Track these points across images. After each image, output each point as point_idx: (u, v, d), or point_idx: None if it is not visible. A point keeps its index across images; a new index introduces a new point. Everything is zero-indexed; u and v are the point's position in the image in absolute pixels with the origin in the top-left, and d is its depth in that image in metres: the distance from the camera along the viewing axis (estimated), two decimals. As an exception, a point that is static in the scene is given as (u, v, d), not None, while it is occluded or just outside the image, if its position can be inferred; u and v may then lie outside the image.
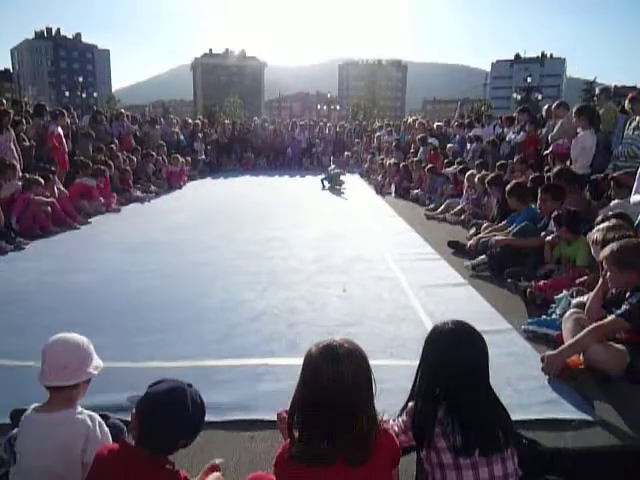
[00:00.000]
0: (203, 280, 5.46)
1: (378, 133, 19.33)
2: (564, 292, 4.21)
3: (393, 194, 12.64)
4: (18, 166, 8.29)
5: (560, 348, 3.33)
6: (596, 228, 4.09)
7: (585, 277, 4.39)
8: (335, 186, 13.57)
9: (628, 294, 3.27)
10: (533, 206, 6.29)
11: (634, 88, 20.92)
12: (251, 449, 2.59)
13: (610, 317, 3.23)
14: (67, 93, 77.26)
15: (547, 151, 7.96)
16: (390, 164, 13.75)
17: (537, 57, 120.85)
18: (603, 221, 4.44)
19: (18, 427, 2.06)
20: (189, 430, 1.79)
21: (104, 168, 10.07)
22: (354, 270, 5.86)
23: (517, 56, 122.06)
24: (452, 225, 8.68)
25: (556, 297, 4.24)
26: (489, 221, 7.38)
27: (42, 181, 7.92)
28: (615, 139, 7.21)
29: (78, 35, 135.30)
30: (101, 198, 9.70)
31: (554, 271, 5.00)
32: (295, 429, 1.72)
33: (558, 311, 4.05)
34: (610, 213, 4.73)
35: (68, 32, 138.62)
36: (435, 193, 10.80)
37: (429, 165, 11.76)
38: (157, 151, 14.10)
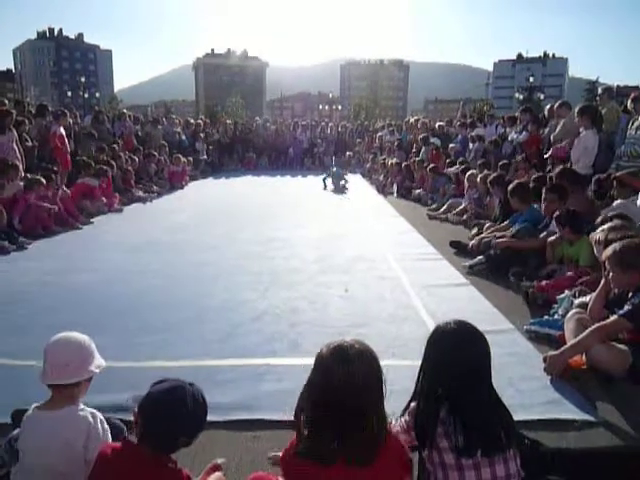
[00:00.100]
0: (205, 280, 5.46)
1: (380, 133, 19.32)
2: (566, 292, 4.20)
3: (395, 194, 12.63)
4: (21, 166, 8.30)
5: (562, 348, 3.32)
6: (600, 228, 4.09)
7: (587, 277, 4.38)
8: (337, 185, 13.53)
9: (630, 294, 3.26)
10: (535, 206, 6.28)
11: (637, 88, 20.88)
12: (253, 449, 2.59)
13: (612, 317, 3.23)
14: (69, 93, 77.47)
15: (547, 155, 7.94)
16: (392, 164, 13.75)
17: (539, 57, 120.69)
18: (604, 222, 4.44)
19: (19, 427, 2.07)
20: (191, 428, 1.79)
21: (106, 168, 10.08)
22: (356, 270, 5.86)
23: (519, 56, 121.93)
24: (454, 225, 8.67)
25: (558, 297, 4.23)
26: (491, 221, 7.37)
27: (44, 181, 7.93)
28: (618, 139, 7.19)
29: (80, 35, 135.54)
30: (103, 198, 9.72)
31: (556, 271, 4.99)
32: (304, 427, 1.72)
33: (560, 311, 4.04)
34: (610, 214, 4.73)
35: (70, 32, 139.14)
36: (437, 193, 10.78)
37: (431, 165, 11.75)
38: (159, 151, 14.10)
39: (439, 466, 1.83)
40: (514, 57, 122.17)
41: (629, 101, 6.95)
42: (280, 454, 2.08)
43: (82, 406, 2.01)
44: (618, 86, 31.18)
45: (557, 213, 5.22)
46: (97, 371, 2.07)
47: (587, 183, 6.64)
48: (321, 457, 1.66)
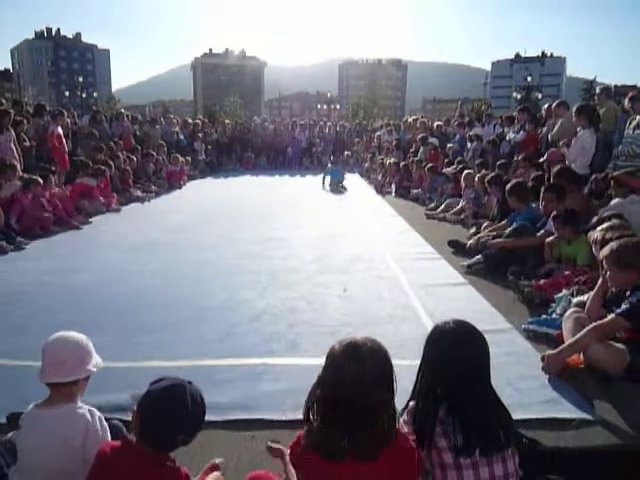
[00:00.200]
0: (203, 280, 5.46)
1: (378, 132, 19.33)
2: (564, 291, 4.21)
3: (393, 194, 12.64)
4: (18, 166, 8.29)
5: (560, 347, 3.33)
6: (598, 228, 4.09)
7: (585, 275, 4.39)
8: (335, 185, 13.49)
9: (628, 293, 3.27)
10: (534, 205, 6.29)
11: (634, 87, 20.90)
12: (251, 449, 2.59)
13: (610, 316, 3.23)
14: (67, 93, 77.28)
15: (542, 158, 7.92)
16: (390, 164, 13.75)
17: (537, 56, 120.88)
18: (599, 222, 4.45)
19: (14, 430, 2.08)
20: (189, 427, 1.80)
21: (104, 168, 10.07)
22: (354, 270, 5.86)
23: (517, 55, 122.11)
24: (452, 224, 8.68)
25: (556, 296, 4.24)
26: (489, 220, 7.38)
27: (41, 181, 7.92)
28: (616, 138, 7.20)
29: (78, 35, 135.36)
30: (101, 198, 9.70)
31: (554, 270, 4.99)
32: (314, 422, 1.74)
33: (558, 310, 4.05)
34: (605, 214, 4.74)
35: (68, 32, 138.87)
36: (435, 193, 10.79)
37: (429, 165, 11.76)
38: (157, 151, 14.10)
39: (437, 465, 1.83)
40: (512, 57, 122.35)
41: (626, 100, 6.95)
42: (277, 446, 2.11)
43: (80, 404, 2.02)
44: (616, 85, 31.22)
45: (555, 213, 5.23)
46: (95, 370, 2.07)
47: (584, 183, 6.65)
48: (331, 453, 1.67)
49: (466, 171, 9.39)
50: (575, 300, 3.93)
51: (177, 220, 9.12)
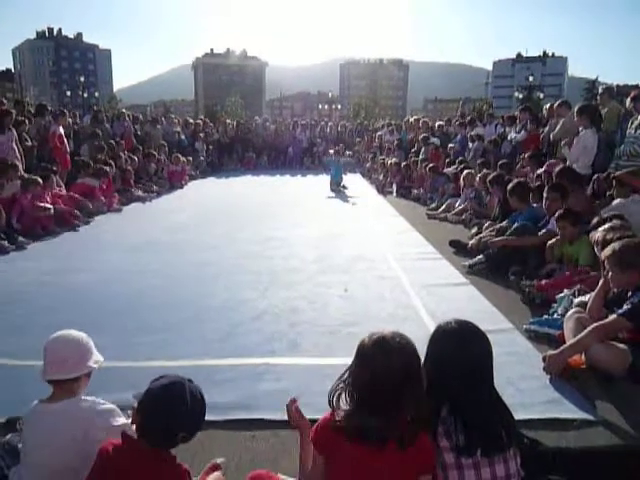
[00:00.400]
0: (204, 280, 5.46)
1: (379, 132, 19.30)
2: (566, 291, 4.20)
3: (394, 194, 12.62)
4: (20, 166, 8.30)
5: (562, 348, 3.32)
6: (601, 228, 4.09)
7: (586, 274, 4.38)
8: (337, 184, 13.41)
9: (630, 293, 3.26)
10: (535, 205, 6.28)
11: (636, 87, 20.88)
12: (252, 448, 2.59)
13: (612, 316, 3.23)
14: (68, 93, 77.46)
15: (541, 169, 7.87)
16: (391, 164, 13.74)
17: (539, 56, 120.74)
18: (599, 222, 4.44)
19: (12, 433, 2.15)
20: (189, 424, 1.81)
21: (106, 169, 10.07)
22: (355, 270, 5.86)
23: (519, 55, 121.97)
24: (453, 224, 8.67)
25: (558, 296, 4.23)
26: (491, 220, 7.37)
27: (40, 181, 7.92)
28: (619, 138, 7.18)
29: (79, 35, 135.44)
30: (102, 198, 9.71)
31: (556, 270, 4.98)
32: (341, 407, 1.80)
33: (560, 310, 4.05)
34: (607, 214, 4.73)
35: (69, 32, 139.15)
36: (436, 193, 10.78)
37: (430, 164, 11.75)
38: (158, 151, 14.10)
39: (439, 465, 1.82)
40: (514, 56, 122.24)
41: (628, 100, 6.94)
42: (293, 403, 2.15)
43: (84, 397, 2.05)
44: (618, 85, 31.21)
45: (558, 213, 5.21)
46: (95, 366, 2.11)
47: (586, 182, 6.64)
48: (358, 435, 1.72)
49: (466, 171, 9.38)
50: (576, 300, 3.93)
51: (178, 220, 9.12)
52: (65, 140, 10.42)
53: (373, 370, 1.71)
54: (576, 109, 7.38)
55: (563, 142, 7.80)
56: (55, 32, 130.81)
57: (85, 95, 57.00)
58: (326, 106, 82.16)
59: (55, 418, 1.98)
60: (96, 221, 8.83)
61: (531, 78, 57.86)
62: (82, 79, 62.54)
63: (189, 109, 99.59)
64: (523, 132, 9.99)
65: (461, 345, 1.88)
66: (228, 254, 6.61)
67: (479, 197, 8.80)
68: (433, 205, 10.15)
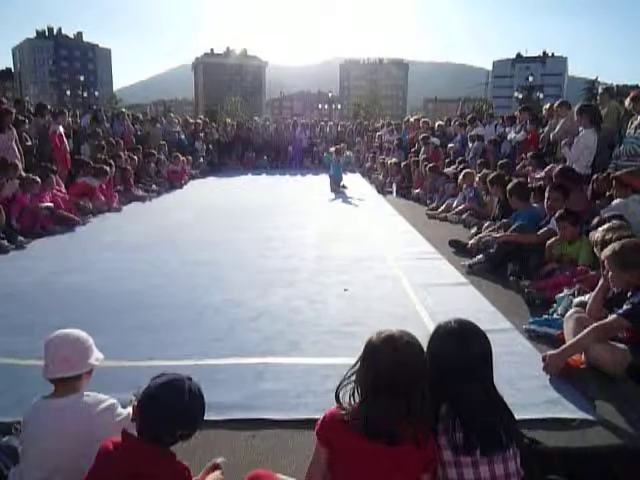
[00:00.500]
0: (204, 279, 5.46)
1: (379, 132, 19.29)
2: (565, 291, 4.21)
3: (394, 193, 12.62)
4: (20, 165, 8.30)
5: (561, 347, 3.33)
6: (600, 228, 4.09)
7: (586, 274, 4.39)
8: (337, 184, 13.38)
9: (630, 293, 3.26)
10: (535, 205, 6.28)
11: (636, 87, 20.89)
12: (252, 448, 2.59)
13: (611, 316, 3.23)
14: (68, 92, 77.33)
15: (541, 174, 7.88)
16: (391, 163, 13.74)
17: (539, 56, 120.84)
18: (599, 223, 4.44)
19: (9, 435, 2.20)
20: (188, 421, 1.82)
21: (107, 169, 10.06)
22: (355, 269, 5.86)
23: (518, 55, 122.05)
24: (453, 224, 8.67)
25: (557, 296, 4.24)
26: (491, 220, 7.38)
27: (39, 180, 7.91)
28: (619, 138, 7.18)
29: (79, 34, 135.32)
30: (102, 197, 9.70)
31: (556, 270, 4.99)
32: (346, 402, 1.83)
33: (560, 310, 4.05)
34: (606, 214, 4.73)
35: (69, 31, 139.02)
36: (436, 193, 10.78)
37: (430, 164, 11.74)
38: (158, 150, 14.09)
39: (438, 463, 1.83)
40: (513, 56, 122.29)
41: (628, 100, 6.94)
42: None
43: (87, 392, 2.08)
44: (617, 85, 31.21)
45: (558, 213, 5.21)
46: (96, 363, 2.15)
47: (586, 182, 6.64)
48: (363, 429, 1.74)
49: (465, 170, 9.38)
50: (576, 300, 3.93)
51: (178, 219, 9.12)
52: (65, 139, 10.41)
53: (381, 367, 1.73)
54: (576, 109, 7.39)
55: (563, 142, 7.79)
56: (55, 31, 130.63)
57: (85, 94, 56.96)
58: (326, 106, 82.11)
59: (58, 413, 2.00)
60: (96, 221, 8.83)
61: (531, 78, 57.97)
62: (82, 78, 62.65)
63: (189, 108, 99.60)
64: (523, 132, 10.00)
65: (461, 344, 1.88)
66: (227, 253, 6.61)
67: (478, 196, 8.81)
68: (433, 205, 10.14)
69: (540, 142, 9.50)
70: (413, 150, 14.24)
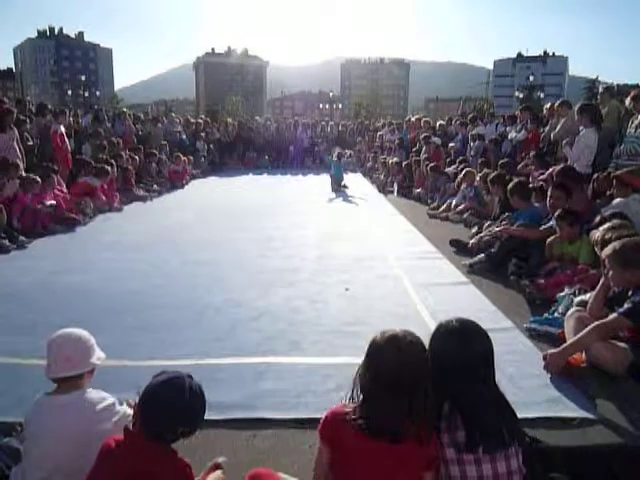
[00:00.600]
0: (205, 279, 5.46)
1: (380, 132, 19.27)
2: (566, 290, 4.21)
3: (395, 193, 12.61)
4: (21, 165, 8.30)
5: (562, 346, 3.33)
6: (601, 227, 4.09)
7: (587, 274, 4.39)
8: (338, 183, 13.38)
9: (630, 292, 3.26)
10: (537, 204, 6.28)
11: (637, 86, 20.86)
12: (253, 447, 2.59)
13: (612, 315, 3.23)
14: (70, 92, 77.37)
15: (543, 176, 7.87)
16: (392, 163, 13.73)
17: (539, 55, 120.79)
18: (601, 221, 4.44)
19: (9, 437, 2.22)
20: (189, 418, 1.83)
21: (108, 168, 10.06)
22: (356, 269, 5.86)
23: (519, 54, 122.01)
24: (454, 224, 8.67)
25: (558, 295, 4.24)
26: (491, 220, 7.37)
27: (39, 180, 7.92)
28: (619, 137, 7.17)
29: (81, 34, 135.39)
30: (103, 197, 9.71)
31: (556, 269, 4.98)
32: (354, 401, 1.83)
33: (560, 309, 4.05)
34: (607, 213, 4.72)
35: (70, 31, 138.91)
36: (437, 192, 10.77)
37: (431, 164, 11.74)
38: (159, 150, 14.10)
39: (440, 460, 1.83)
40: (514, 56, 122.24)
41: (628, 99, 6.93)
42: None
43: (90, 389, 2.10)
44: (618, 85, 31.17)
45: (556, 213, 5.21)
46: (98, 362, 2.17)
47: (587, 182, 6.64)
48: (365, 428, 1.75)
49: (466, 169, 9.37)
50: (577, 299, 3.93)
51: (179, 219, 9.12)
52: (66, 139, 10.42)
53: (385, 367, 1.74)
54: (577, 108, 7.37)
55: (564, 141, 7.79)
56: (56, 31, 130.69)
57: (86, 94, 57.08)
58: (327, 105, 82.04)
59: (61, 410, 2.02)
60: (97, 220, 8.84)
61: (532, 77, 57.91)
62: (83, 78, 62.72)
63: (190, 108, 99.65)
64: (524, 131, 9.99)
65: (462, 343, 1.89)
66: (228, 253, 6.61)
67: (479, 196, 8.80)
68: (434, 204, 10.13)
69: (541, 141, 9.49)
70: (414, 149, 14.23)
